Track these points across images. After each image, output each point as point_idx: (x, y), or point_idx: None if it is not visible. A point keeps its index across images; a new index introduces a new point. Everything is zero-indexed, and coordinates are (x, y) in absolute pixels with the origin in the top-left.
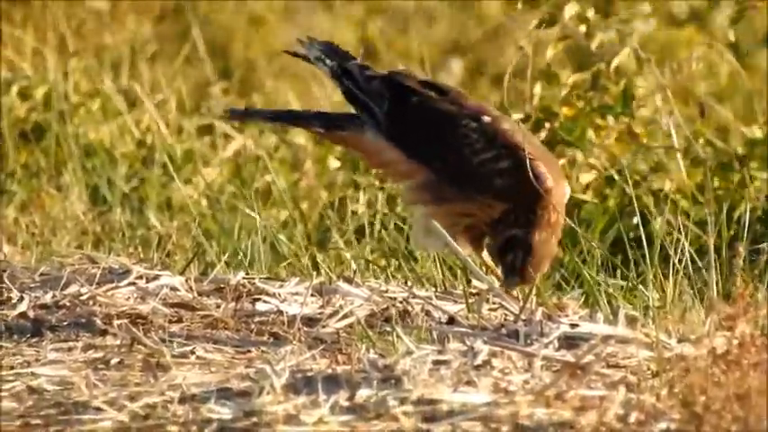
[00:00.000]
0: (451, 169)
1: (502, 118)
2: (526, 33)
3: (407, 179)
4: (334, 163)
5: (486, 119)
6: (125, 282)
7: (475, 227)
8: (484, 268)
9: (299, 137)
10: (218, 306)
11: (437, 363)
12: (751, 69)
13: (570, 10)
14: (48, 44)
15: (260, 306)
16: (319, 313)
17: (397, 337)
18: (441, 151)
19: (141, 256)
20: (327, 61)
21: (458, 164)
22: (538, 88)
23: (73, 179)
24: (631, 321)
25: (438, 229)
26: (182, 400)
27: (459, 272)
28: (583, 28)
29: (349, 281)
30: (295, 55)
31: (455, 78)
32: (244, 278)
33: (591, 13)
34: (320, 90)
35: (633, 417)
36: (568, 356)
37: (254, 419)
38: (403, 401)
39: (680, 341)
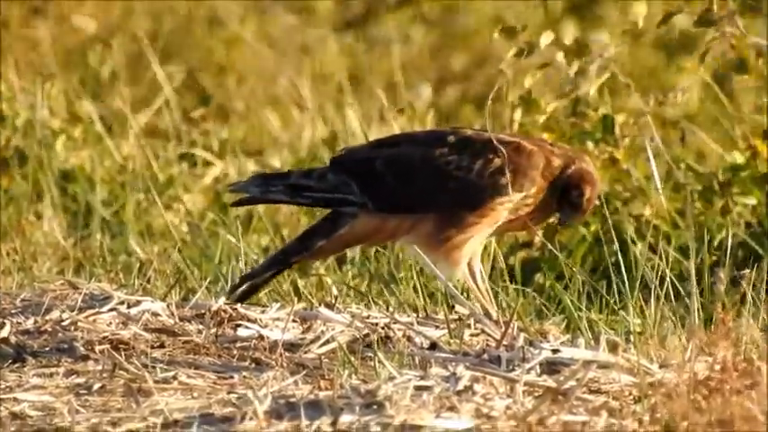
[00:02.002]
0: (457, 195)
1: (459, 129)
2: (505, 61)
3: (414, 231)
4: None
5: (451, 137)
6: (106, 307)
7: (518, 218)
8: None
9: (277, 162)
10: (200, 331)
11: (419, 388)
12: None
13: (546, 39)
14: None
15: (242, 332)
16: (301, 339)
17: (379, 362)
18: (437, 188)
19: (122, 281)
20: (274, 191)
21: (460, 188)
22: (518, 114)
23: (53, 205)
24: (613, 347)
25: (422, 257)
26: (164, 426)
27: (440, 297)
28: (560, 56)
29: (330, 306)
30: (248, 202)
31: (424, 103)
32: (225, 304)
33: (568, 41)
34: (300, 115)
35: None
36: (550, 382)
37: None
38: (385, 427)
39: (661, 366)
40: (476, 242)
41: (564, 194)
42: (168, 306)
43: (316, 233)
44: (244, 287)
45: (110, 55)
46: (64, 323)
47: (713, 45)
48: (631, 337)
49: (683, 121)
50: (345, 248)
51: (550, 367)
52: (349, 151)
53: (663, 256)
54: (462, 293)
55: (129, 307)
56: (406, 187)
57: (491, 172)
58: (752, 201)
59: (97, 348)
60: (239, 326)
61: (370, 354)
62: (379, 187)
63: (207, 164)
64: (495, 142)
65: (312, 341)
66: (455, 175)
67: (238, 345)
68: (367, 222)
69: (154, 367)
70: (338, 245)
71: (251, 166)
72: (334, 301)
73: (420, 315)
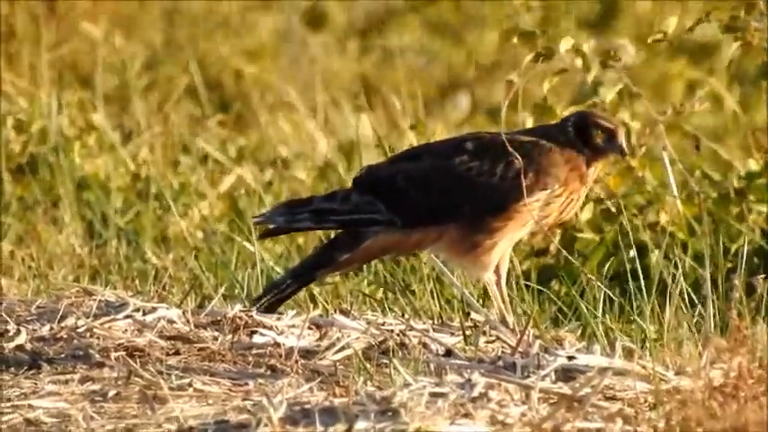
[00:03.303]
0: (481, 201)
1: (473, 135)
2: (521, 67)
3: (441, 240)
4: None
5: (468, 144)
6: (122, 314)
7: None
8: (496, 300)
9: (300, 171)
10: (216, 339)
11: (434, 395)
12: (749, 104)
13: (566, 44)
14: (42, 77)
15: (257, 338)
16: (316, 346)
17: (395, 369)
18: (461, 196)
19: (138, 288)
20: (300, 218)
21: (484, 194)
22: (530, 121)
23: (68, 212)
24: (628, 354)
25: (438, 264)
26: None
27: (456, 304)
28: (579, 62)
29: (346, 313)
30: (275, 233)
31: (461, 113)
32: (241, 311)
33: (586, 47)
34: (313, 123)
35: None
36: (565, 389)
37: None
38: None
39: (677, 373)
40: (505, 245)
41: (587, 142)
42: (184, 313)
43: (339, 246)
44: (268, 297)
45: (123, 62)
46: (79, 330)
47: (737, 52)
48: (647, 344)
49: (699, 130)
50: (369, 261)
51: (566, 374)
52: (369, 169)
53: (678, 263)
54: (478, 300)
55: (144, 314)
56: (430, 199)
57: (513, 175)
58: (767, 208)
59: (112, 355)
60: (255, 333)
61: (385, 360)
62: (404, 203)
63: (222, 171)
64: (510, 145)
65: (327, 348)
66: (478, 182)
67: (254, 352)
68: (392, 234)
69: (169, 374)
70: (362, 257)
71: (267, 175)
72: (349, 308)
73: (435, 322)
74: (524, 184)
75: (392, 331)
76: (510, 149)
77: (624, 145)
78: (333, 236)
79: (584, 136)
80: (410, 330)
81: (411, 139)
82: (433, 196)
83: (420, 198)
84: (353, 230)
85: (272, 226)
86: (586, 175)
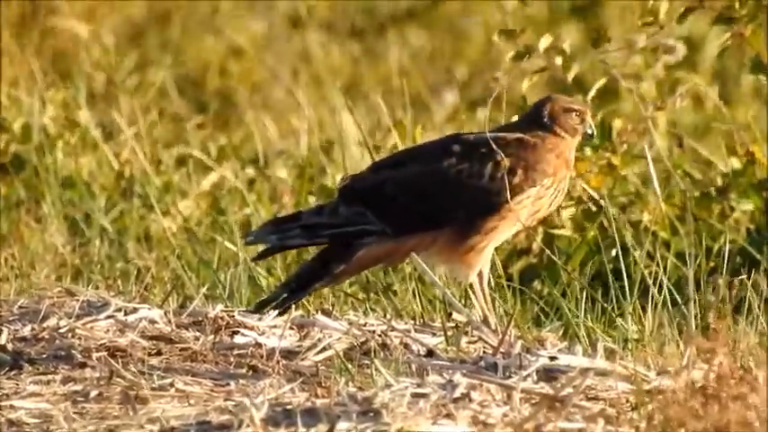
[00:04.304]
0: (474, 203)
1: (455, 136)
2: (503, 66)
3: (435, 245)
4: (310, 198)
5: (455, 146)
6: (104, 315)
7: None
8: (480, 299)
9: (281, 170)
10: (197, 339)
11: (416, 396)
12: (731, 101)
13: (545, 42)
14: (23, 74)
15: (239, 339)
16: (298, 346)
17: (376, 370)
18: (454, 200)
19: (120, 288)
20: (291, 235)
21: (476, 195)
22: (514, 119)
23: (51, 211)
24: (610, 354)
25: (420, 264)
26: None
27: (437, 304)
28: (559, 60)
29: (327, 314)
30: (268, 253)
31: (447, 110)
32: (222, 311)
33: (566, 45)
34: (299, 122)
35: None
36: (547, 389)
37: None
38: None
39: (659, 374)
40: (495, 244)
41: (563, 126)
42: (165, 313)
43: (332, 258)
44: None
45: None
46: (61, 330)
47: (728, 45)
48: (629, 345)
49: (679, 127)
50: (363, 271)
51: (548, 374)
52: (353, 178)
53: (661, 262)
54: (460, 300)
55: (126, 314)
56: (421, 206)
57: (503, 174)
58: (750, 207)
59: (94, 356)
60: (236, 333)
61: (367, 361)
62: (395, 211)
63: (204, 170)
64: (496, 143)
65: (309, 348)
66: (468, 184)
67: (235, 352)
68: (385, 243)
69: (151, 374)
70: (356, 268)
71: (250, 172)
72: (331, 309)
73: (417, 322)
74: (514, 183)
75: (374, 332)
76: (496, 148)
77: (592, 125)
78: (324, 247)
79: (560, 121)
80: (392, 331)
81: (395, 138)
82: (424, 202)
83: (411, 205)
84: (345, 243)
85: (267, 246)
86: (570, 160)
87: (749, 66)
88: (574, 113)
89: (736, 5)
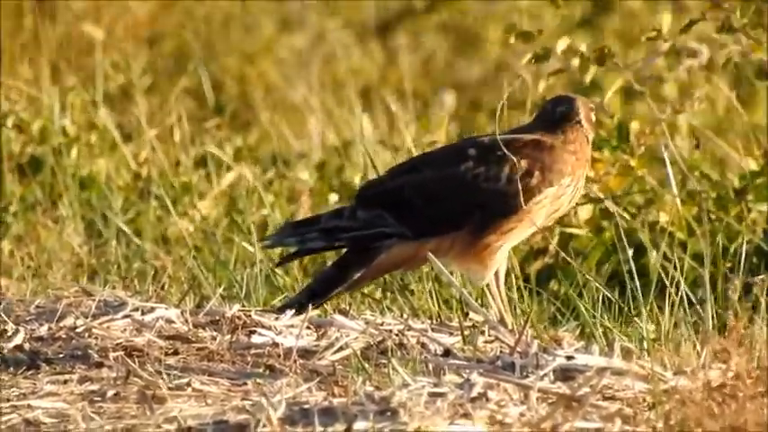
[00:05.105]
0: (491, 206)
1: (475, 139)
2: (522, 66)
3: (454, 248)
4: (332, 196)
5: (471, 150)
6: (121, 314)
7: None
8: (493, 299)
9: (302, 171)
10: (214, 338)
11: (433, 395)
12: (748, 103)
13: (562, 44)
14: (42, 75)
15: (256, 338)
16: (315, 346)
17: (393, 369)
18: (471, 203)
19: (137, 288)
20: (310, 237)
21: (493, 198)
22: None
23: (69, 212)
24: (627, 354)
25: (437, 264)
26: None
27: (454, 304)
28: (576, 61)
29: (344, 313)
30: (289, 259)
31: (448, 111)
32: (239, 310)
33: (583, 47)
34: (316, 123)
35: None
36: (564, 389)
37: None
38: None
39: (675, 373)
40: (510, 245)
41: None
42: (182, 313)
43: (352, 263)
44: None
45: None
46: (78, 330)
47: (733, 52)
48: (645, 344)
49: (701, 128)
50: (382, 276)
51: (564, 374)
52: (370, 183)
53: (677, 263)
54: (476, 300)
55: (143, 314)
56: (440, 209)
57: (520, 176)
58: (767, 208)
59: (111, 355)
60: (253, 332)
61: (384, 360)
62: (413, 214)
63: (220, 171)
64: (512, 146)
65: (326, 348)
66: (486, 187)
67: (252, 351)
68: (404, 247)
69: (168, 374)
70: (376, 273)
71: (269, 174)
72: (348, 308)
73: (434, 322)
74: (532, 184)
75: (391, 331)
76: (510, 150)
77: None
78: (344, 253)
79: (587, 118)
80: (409, 330)
81: (408, 141)
82: (441, 206)
83: (430, 208)
84: (364, 246)
85: (292, 250)
86: (589, 157)
87: (754, 72)
88: (592, 111)
89: (738, 15)
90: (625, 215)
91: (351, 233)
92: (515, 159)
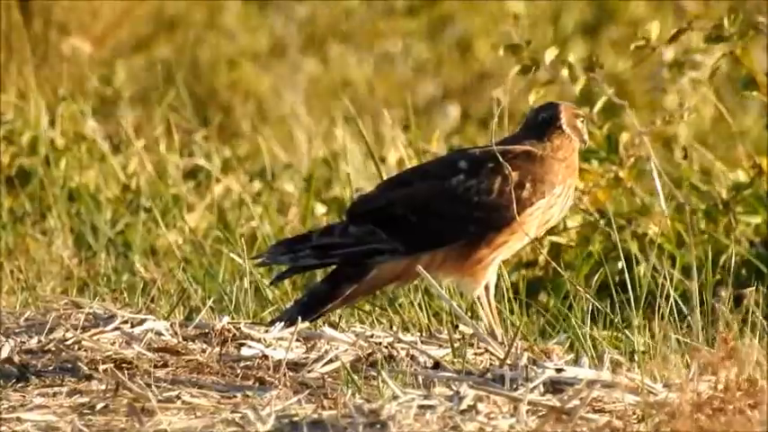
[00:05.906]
0: (484, 219)
1: (465, 151)
2: (507, 80)
3: (446, 262)
4: (319, 209)
5: (462, 163)
6: (110, 327)
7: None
8: (487, 310)
9: (288, 184)
10: (204, 351)
11: (423, 407)
12: (735, 113)
13: (550, 55)
14: (30, 88)
15: (245, 351)
16: (305, 358)
17: (383, 381)
18: (464, 217)
19: (126, 300)
20: (302, 255)
21: (486, 211)
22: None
23: (58, 224)
24: (616, 366)
25: (427, 276)
26: None
27: (444, 316)
28: (565, 72)
29: (334, 326)
30: (283, 277)
31: (451, 123)
32: (229, 323)
33: (572, 58)
34: (301, 134)
35: None
36: (554, 401)
37: None
38: None
39: (665, 386)
40: (502, 258)
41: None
42: (172, 325)
43: (344, 279)
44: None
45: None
46: (67, 342)
47: (721, 62)
48: (635, 357)
49: (688, 139)
50: (375, 292)
51: (554, 386)
52: (361, 199)
53: (667, 275)
54: (466, 312)
55: (132, 326)
56: (432, 224)
57: (511, 188)
58: (756, 219)
59: (100, 368)
60: (243, 345)
61: (373, 373)
62: (405, 229)
63: (210, 183)
64: (503, 158)
65: (316, 360)
66: (478, 201)
67: (242, 364)
68: (397, 262)
69: (157, 386)
70: (368, 289)
71: (256, 185)
72: (337, 321)
73: (424, 334)
74: (523, 196)
75: (380, 344)
76: (504, 161)
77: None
78: (335, 268)
79: (574, 126)
80: (398, 343)
81: (401, 151)
82: (433, 220)
83: (423, 222)
84: (356, 263)
85: (284, 268)
86: (576, 166)
87: (741, 83)
88: (580, 119)
89: (726, 24)
90: (614, 227)
91: (343, 250)
92: (508, 171)
